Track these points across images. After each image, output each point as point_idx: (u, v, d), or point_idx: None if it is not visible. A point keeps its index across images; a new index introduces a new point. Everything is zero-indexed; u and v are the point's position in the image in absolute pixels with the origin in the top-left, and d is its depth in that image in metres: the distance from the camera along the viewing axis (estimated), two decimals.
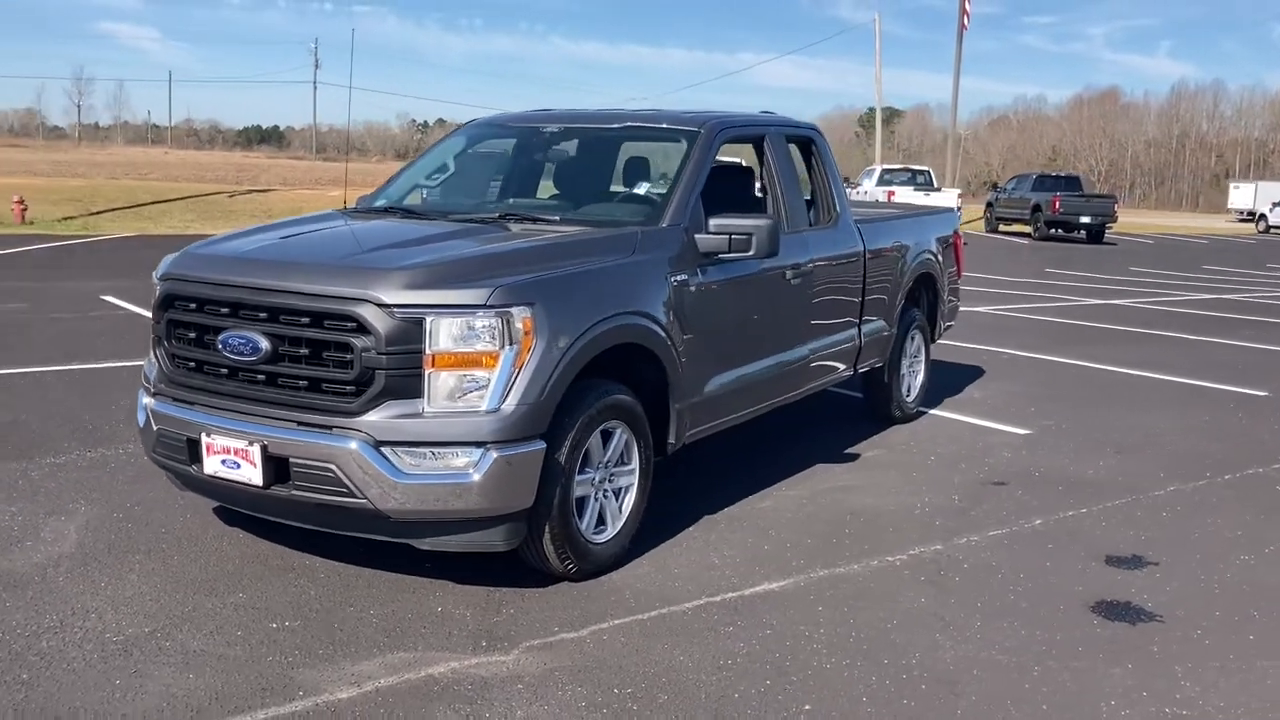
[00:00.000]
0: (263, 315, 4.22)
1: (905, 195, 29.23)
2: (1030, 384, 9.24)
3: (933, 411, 8.04)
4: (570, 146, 6.05)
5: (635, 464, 4.78)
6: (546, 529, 4.34)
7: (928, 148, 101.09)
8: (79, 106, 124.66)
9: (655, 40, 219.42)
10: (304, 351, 4.16)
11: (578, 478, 4.46)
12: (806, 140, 6.58)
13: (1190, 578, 4.88)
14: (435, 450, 4.06)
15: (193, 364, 4.45)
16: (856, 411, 7.78)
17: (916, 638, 4.15)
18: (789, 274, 5.77)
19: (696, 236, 5.06)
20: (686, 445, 5.22)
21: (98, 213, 25.45)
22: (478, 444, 4.07)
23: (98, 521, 5.09)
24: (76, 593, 4.30)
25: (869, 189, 30.42)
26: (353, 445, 4.05)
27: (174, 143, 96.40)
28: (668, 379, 4.89)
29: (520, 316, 4.12)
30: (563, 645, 4.00)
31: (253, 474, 4.21)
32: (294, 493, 4.18)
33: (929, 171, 32.47)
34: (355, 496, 4.07)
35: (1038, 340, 11.69)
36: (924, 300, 7.95)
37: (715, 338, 5.22)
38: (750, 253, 5.09)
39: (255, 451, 4.19)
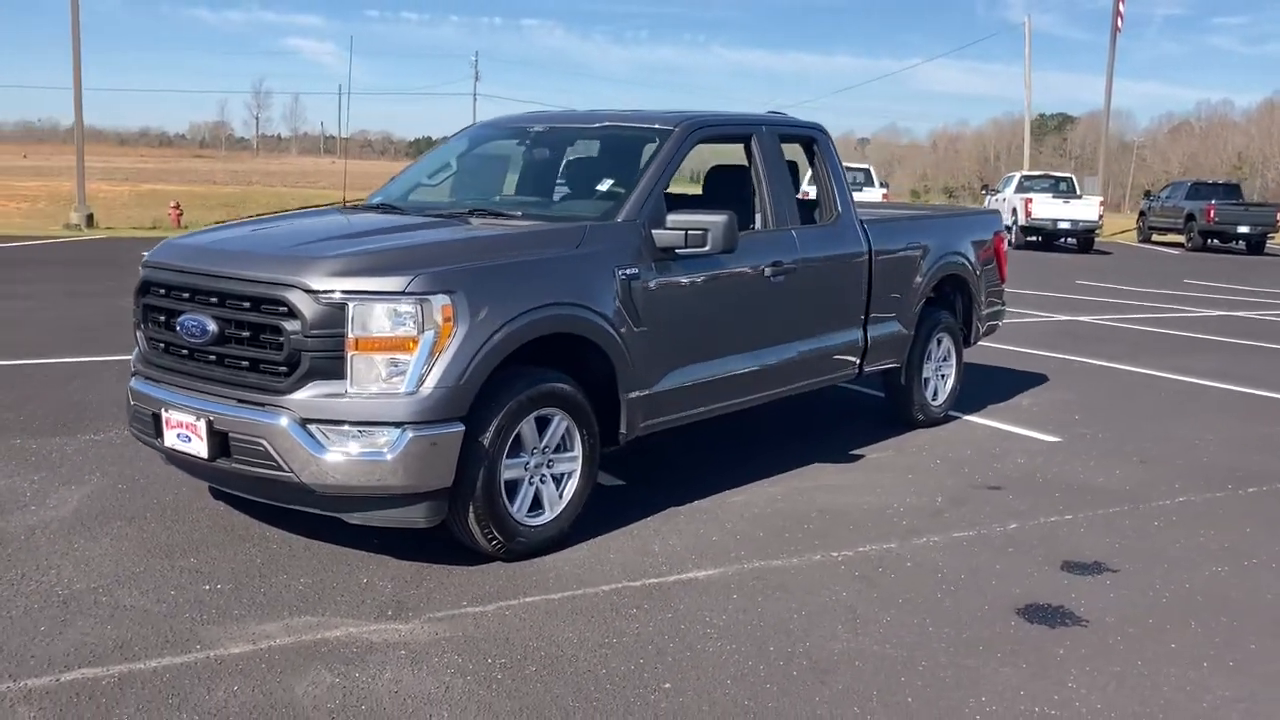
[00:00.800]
0: (213, 300, 4.55)
1: (1044, 202, 28.37)
2: (1090, 393, 8.97)
3: (966, 416, 7.91)
4: (551, 146, 6.24)
5: (578, 451, 4.92)
6: (470, 509, 4.53)
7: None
8: (257, 119, 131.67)
9: (820, 46, 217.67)
10: (245, 334, 4.46)
11: (507, 461, 4.63)
12: (807, 140, 6.60)
13: (1143, 586, 4.74)
14: (357, 429, 4.30)
15: (161, 345, 4.82)
16: (883, 413, 7.71)
17: (816, 628, 4.18)
18: (768, 271, 5.81)
19: (654, 232, 5.17)
20: (689, 436, 5.31)
21: (248, 218, 26.89)
22: (395, 424, 4.29)
23: (102, 491, 5.52)
24: (49, 552, 4.70)
25: (1007, 196, 29.63)
26: (282, 422, 4.32)
27: (345, 152, 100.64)
28: (615, 370, 5.01)
29: (439, 304, 4.33)
30: (463, 618, 4.17)
31: (200, 447, 4.54)
32: (234, 465, 4.49)
33: (1071, 179, 31.36)
34: (283, 470, 4.35)
35: (1127, 350, 11.28)
36: (957, 303, 7.82)
37: (676, 332, 5.32)
38: (706, 248, 5.17)
39: (201, 426, 4.51)
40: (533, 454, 4.77)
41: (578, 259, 4.92)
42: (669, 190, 5.57)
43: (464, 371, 4.36)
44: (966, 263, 7.67)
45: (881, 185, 28.02)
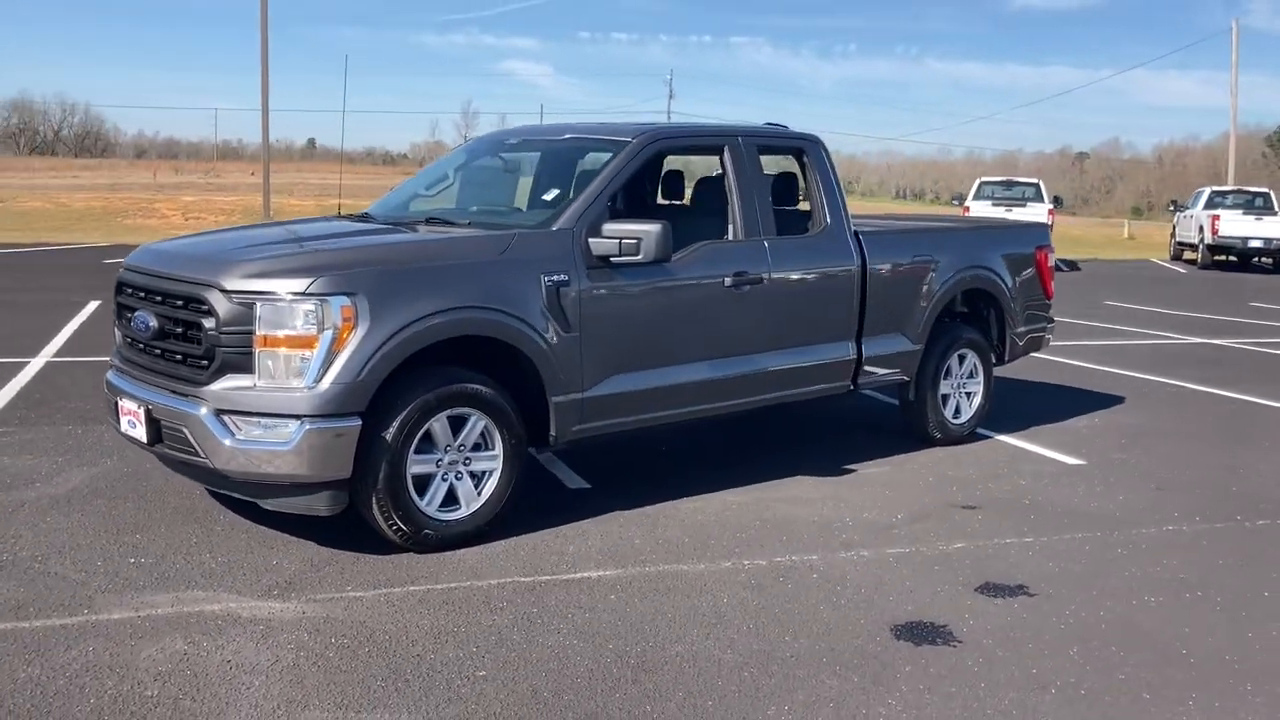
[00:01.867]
0: (156, 299, 4.98)
1: (1233, 220, 26.62)
2: (1156, 417, 8.53)
3: (999, 436, 7.67)
4: (521, 158, 6.45)
5: (498, 451, 5.11)
6: (374, 500, 4.79)
7: None
8: (465, 138, 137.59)
9: (1037, 58, 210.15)
10: (178, 330, 4.87)
11: (415, 456, 4.86)
12: (796, 151, 6.59)
13: (1052, 612, 4.56)
14: (263, 420, 4.63)
15: (127, 339, 5.29)
16: (903, 427, 7.56)
17: (671, 631, 4.23)
18: (729, 281, 5.85)
19: (590, 240, 5.32)
20: (681, 440, 5.45)
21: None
22: (295, 416, 4.59)
23: (106, 474, 6.05)
24: (21, 522, 5.22)
25: (1195, 213, 27.93)
26: (200, 411, 4.69)
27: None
28: (540, 374, 5.18)
29: (338, 305, 4.61)
30: (339, 601, 4.43)
31: (142, 433, 4.97)
32: (166, 450, 4.89)
33: (1269, 194, 29.21)
34: (199, 456, 4.72)
35: (1243, 375, 10.59)
36: (990, 318, 7.60)
37: (615, 338, 5.44)
38: (639, 256, 5.28)
39: (142, 414, 4.94)
40: (446, 451, 4.98)
41: (501, 265, 5.11)
42: (664, 202, 5.63)
43: (362, 369, 4.62)
44: (996, 277, 7.44)
45: (1053, 201, 26.82)
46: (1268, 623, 4.51)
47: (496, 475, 5.12)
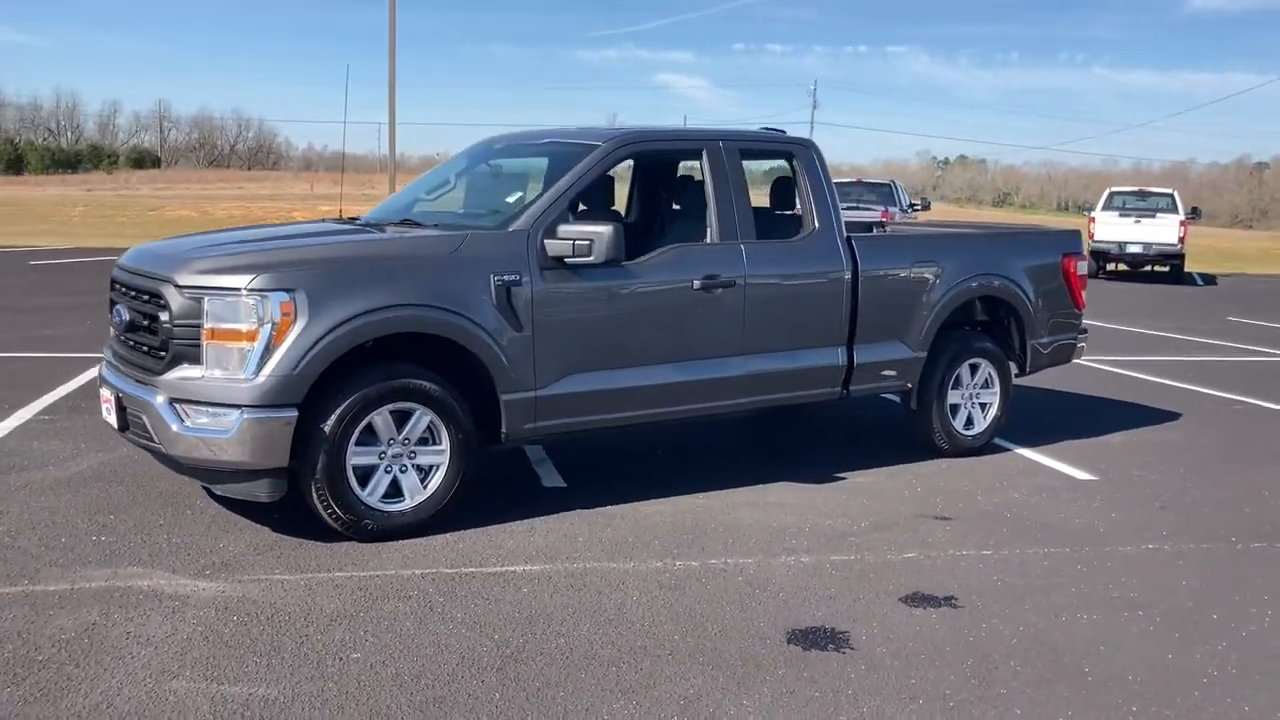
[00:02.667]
0: (130, 294, 5.31)
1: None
2: (1205, 436, 8.16)
3: (1018, 449, 7.47)
4: (502, 161, 6.59)
5: (445, 446, 5.26)
6: (312, 489, 5.00)
7: None
8: None
9: (1212, 63, 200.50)
10: (143, 323, 5.18)
11: (355, 448, 5.06)
12: (786, 155, 6.57)
13: (966, 624, 4.46)
14: (209, 409, 4.89)
15: (112, 332, 5.65)
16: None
17: (560, 626, 4.30)
18: (698, 284, 5.88)
19: (546, 242, 5.43)
20: (678, 441, 5.58)
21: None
22: (236, 406, 4.84)
23: (115, 461, 6.44)
24: (17, 500, 5.62)
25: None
26: (156, 400, 4.99)
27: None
28: (489, 371, 5.32)
29: (277, 300, 4.84)
30: (262, 582, 4.65)
31: (114, 419, 5.31)
32: (132, 436, 5.21)
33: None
34: (154, 442, 5.01)
35: None
36: (1010, 328, 7.40)
37: (572, 338, 5.53)
38: (591, 258, 5.37)
39: (113, 401, 5.27)
40: (390, 445, 5.15)
41: (450, 264, 5.26)
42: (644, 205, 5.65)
43: (299, 362, 4.83)
44: (1013, 286, 7.24)
45: (1190, 212, 25.52)
46: (1196, 645, 4.31)
47: (443, 469, 5.27)
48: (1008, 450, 7.44)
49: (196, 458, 4.93)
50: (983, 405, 7.30)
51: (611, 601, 4.56)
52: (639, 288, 5.75)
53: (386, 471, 5.18)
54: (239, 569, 4.78)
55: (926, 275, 6.83)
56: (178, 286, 4.94)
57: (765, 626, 4.35)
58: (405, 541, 5.20)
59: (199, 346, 4.90)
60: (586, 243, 5.35)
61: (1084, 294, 7.78)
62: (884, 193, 24.41)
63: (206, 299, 4.87)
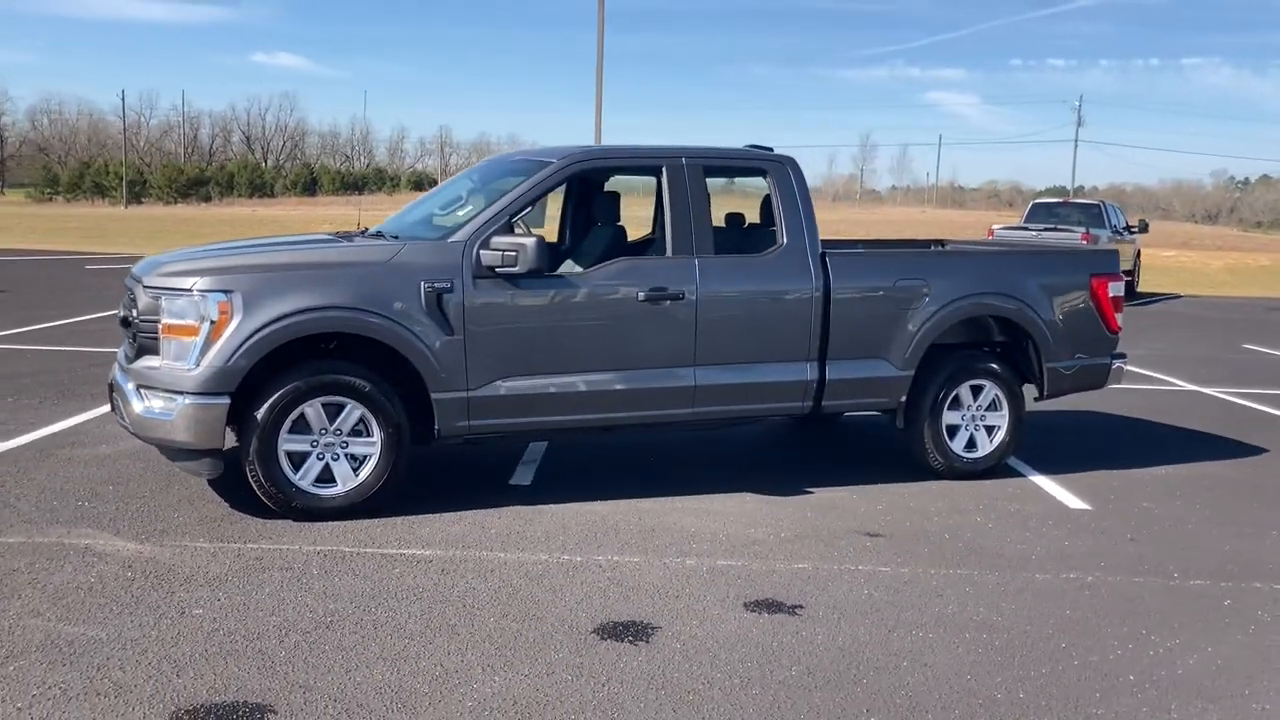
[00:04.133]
0: (126, 295, 6.12)
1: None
2: (1273, 473, 7.62)
3: (1030, 475, 7.25)
4: (483, 178, 7.01)
5: (376, 438, 5.77)
6: (247, 469, 5.62)
7: None
8: (861, 171, 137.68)
9: None
10: (129, 319, 5.97)
11: (288, 435, 5.63)
12: (758, 172, 6.71)
13: (790, 631, 4.53)
14: (162, 394, 5.60)
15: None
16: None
17: (393, 603, 4.68)
18: (642, 296, 6.13)
19: (481, 252, 5.86)
20: (665, 449, 6.06)
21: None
22: (180, 392, 5.52)
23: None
24: (49, 469, 6.53)
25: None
26: (128, 385, 5.76)
27: (940, 202, 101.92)
28: (420, 372, 5.79)
29: (215, 300, 5.49)
30: (179, 547, 5.27)
31: (108, 404, 6.12)
32: (116, 417, 6.00)
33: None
34: (124, 422, 5.78)
35: None
36: (1029, 349, 7.20)
37: (503, 343, 5.90)
38: (517, 267, 5.76)
39: (108, 388, 6.09)
40: (321, 434, 5.70)
41: (383, 271, 5.76)
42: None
43: (232, 355, 5.46)
44: (1022, 306, 7.05)
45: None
46: (1010, 670, 4.25)
47: (374, 460, 5.76)
48: (1018, 475, 7.22)
49: (152, 436, 5.62)
50: (989, 428, 7.12)
51: (464, 585, 4.90)
52: (579, 297, 6.05)
53: (319, 458, 5.71)
54: (172, 535, 5.43)
55: (912, 294, 6.76)
56: (145, 287, 5.66)
57: (583, 617, 4.58)
58: (334, 522, 5.69)
59: (157, 339, 5.59)
60: (513, 253, 5.72)
61: (1119, 316, 7.42)
62: (1093, 214, 23.26)
63: (163, 298, 5.57)
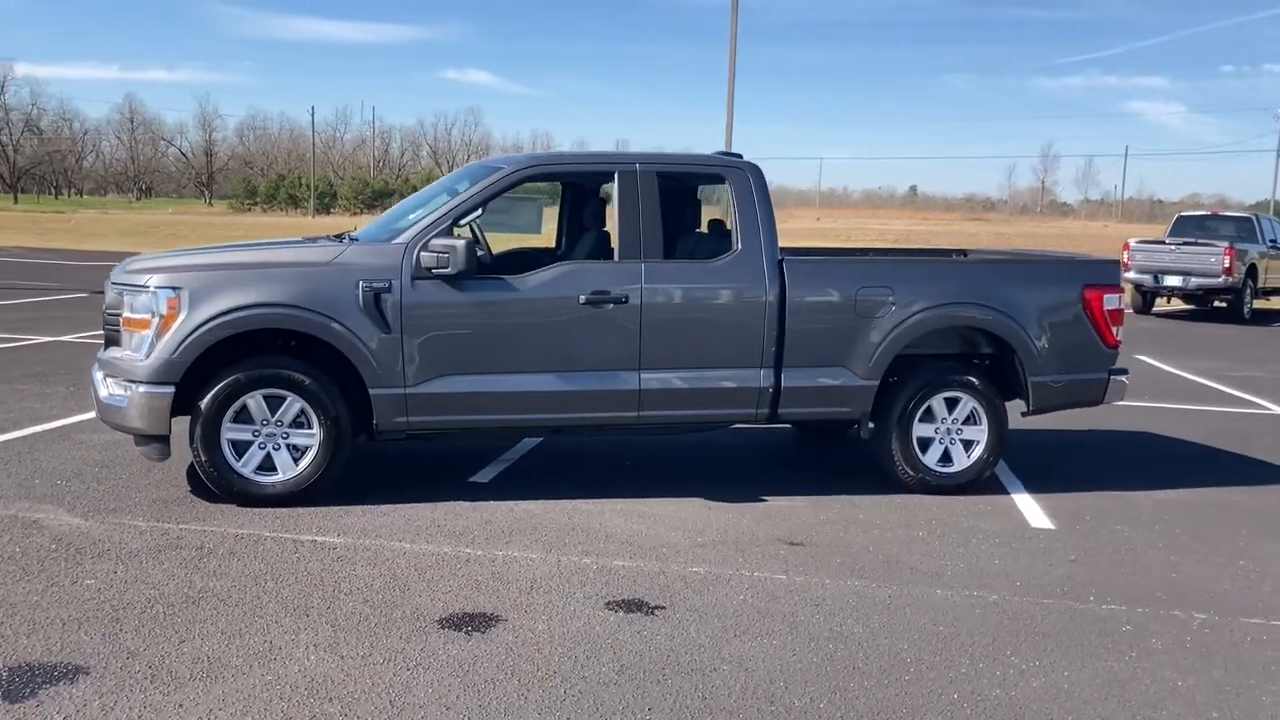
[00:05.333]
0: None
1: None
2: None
3: (1011, 492, 7.01)
4: (450, 182, 7.20)
5: (316, 430, 6.08)
6: (193, 455, 6.01)
7: None
8: (1043, 183, 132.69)
9: None
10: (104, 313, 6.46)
11: (230, 424, 5.99)
12: (716, 179, 6.72)
13: (636, 630, 4.55)
14: (120, 382, 6.04)
15: None
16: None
17: (256, 583, 4.93)
18: (584, 299, 6.25)
19: (420, 254, 6.10)
20: (641, 453, 6.26)
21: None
22: (133, 381, 5.96)
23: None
24: (54, 451, 7.10)
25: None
26: (97, 374, 6.24)
27: (1133, 216, 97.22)
28: (357, 368, 6.06)
29: (165, 297, 5.90)
30: (116, 525, 5.67)
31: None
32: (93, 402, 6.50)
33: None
34: (95, 407, 6.26)
35: None
36: (1015, 361, 6.96)
37: (440, 342, 6.11)
38: (449, 269, 5.98)
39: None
40: (263, 425, 6.04)
41: (323, 272, 6.05)
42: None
43: (177, 348, 5.85)
44: (1002, 317, 6.83)
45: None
46: (838, 679, 4.19)
47: (313, 451, 6.06)
48: (1000, 492, 6.99)
49: (112, 421, 6.07)
50: (966, 442, 6.91)
51: (347, 572, 5.11)
52: (519, 299, 6.20)
53: (260, 448, 6.03)
54: (118, 514, 5.84)
55: (875, 302, 6.64)
56: (113, 284, 6.12)
57: (438, 607, 4.73)
58: (274, 509, 6.01)
59: (120, 331, 6.04)
60: (446, 255, 5.93)
61: (1116, 330, 7.09)
62: (1245, 228, 22.01)
63: (125, 293, 6.01)
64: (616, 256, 6.39)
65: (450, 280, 6.07)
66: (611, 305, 6.25)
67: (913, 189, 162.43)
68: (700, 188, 7.38)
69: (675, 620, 4.67)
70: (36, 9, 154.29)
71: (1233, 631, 4.82)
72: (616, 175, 6.47)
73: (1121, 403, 7.33)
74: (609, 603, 4.85)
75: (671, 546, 5.66)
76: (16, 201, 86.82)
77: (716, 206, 7.34)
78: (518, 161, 6.49)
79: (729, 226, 6.65)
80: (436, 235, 6.11)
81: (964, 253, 8.50)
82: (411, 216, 6.47)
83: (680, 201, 7.03)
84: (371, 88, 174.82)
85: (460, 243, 5.89)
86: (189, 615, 4.52)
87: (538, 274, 6.27)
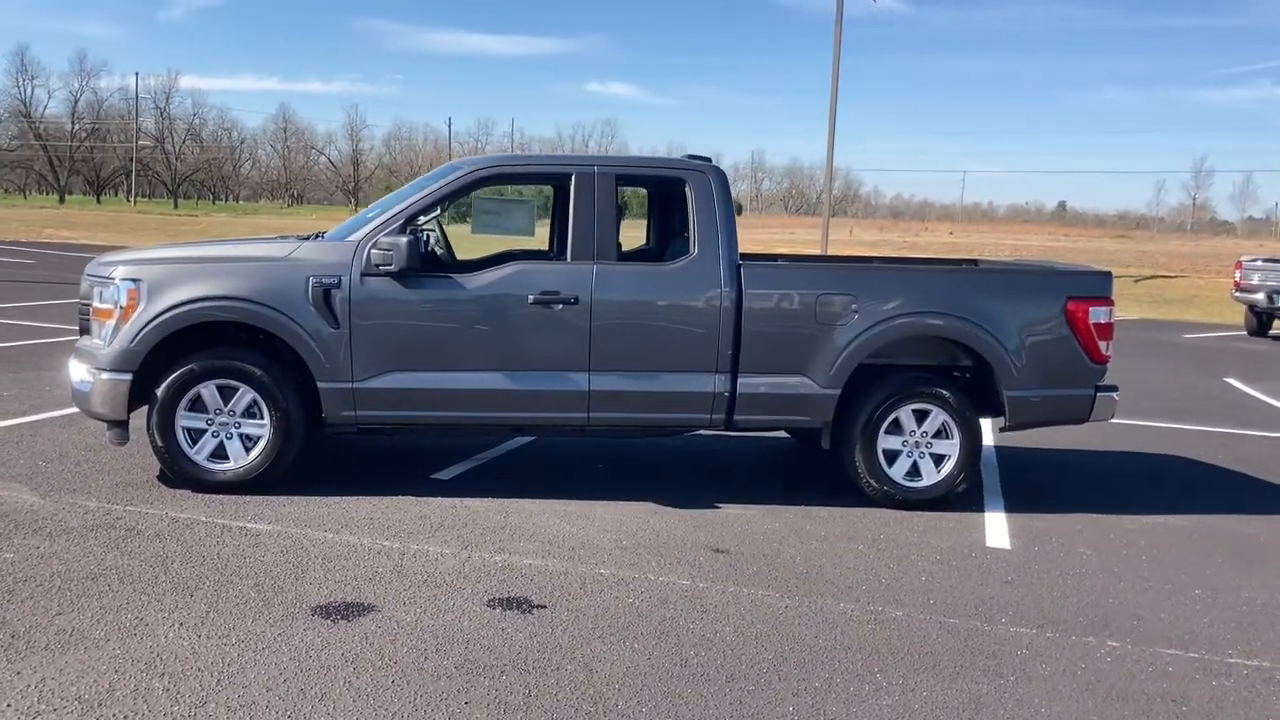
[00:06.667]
0: None
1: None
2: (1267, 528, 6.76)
3: (987, 510, 6.77)
4: (418, 183, 7.28)
5: (266, 421, 6.27)
6: (149, 440, 6.27)
7: None
8: (1194, 200, 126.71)
9: None
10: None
11: (185, 413, 6.22)
12: (676, 181, 6.68)
13: (516, 628, 4.58)
14: (87, 369, 6.35)
15: None
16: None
17: (170, 563, 5.11)
18: (532, 299, 6.29)
19: (371, 251, 6.25)
20: (618, 455, 6.38)
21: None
22: (97, 368, 6.25)
23: None
24: (55, 434, 7.48)
25: None
26: (71, 360, 6.57)
27: None
28: (304, 361, 6.23)
29: (125, 289, 6.17)
30: (68, 504, 5.93)
31: None
32: None
33: None
34: (70, 392, 6.59)
35: None
36: (992, 374, 6.73)
37: (388, 338, 6.21)
38: (392, 266, 6.11)
39: None
40: (217, 414, 6.26)
41: (276, 267, 6.24)
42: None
43: (134, 338, 6.11)
44: (974, 328, 6.60)
45: None
46: (672, 683, 4.13)
47: (264, 440, 6.24)
48: (974, 510, 6.76)
49: (80, 405, 6.37)
50: (937, 456, 6.71)
51: (254, 557, 5.25)
52: (467, 297, 6.27)
53: (214, 436, 6.25)
54: (76, 494, 6.12)
55: (837, 309, 6.49)
56: (86, 275, 6.43)
57: (318, 595, 4.82)
58: (221, 495, 6.21)
59: (90, 321, 6.34)
60: (389, 253, 6.06)
61: (1105, 345, 6.78)
62: None
63: (95, 285, 6.31)
64: (569, 257, 6.40)
65: (398, 277, 6.17)
66: (561, 306, 6.26)
67: (1061, 205, 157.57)
68: (663, 191, 7.32)
69: (547, 620, 4.65)
70: (206, 25, 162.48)
71: (1138, 661, 4.57)
72: (574, 176, 6.48)
73: (1161, 424, 6.93)
74: (491, 600, 4.86)
75: (591, 548, 5.64)
76: (176, 206, 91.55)
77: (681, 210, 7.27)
78: (476, 163, 6.57)
79: (687, 230, 6.58)
80: (387, 233, 6.21)
81: (975, 263, 8.22)
82: (370, 214, 6.58)
83: (642, 203, 7.00)
84: (515, 100, 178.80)
85: (403, 240, 6.00)
86: (80, 590, 4.70)
87: (487, 273, 6.32)
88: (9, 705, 3.66)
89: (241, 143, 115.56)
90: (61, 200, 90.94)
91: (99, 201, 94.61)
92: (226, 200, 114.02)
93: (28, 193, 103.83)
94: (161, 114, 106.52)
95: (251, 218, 66.08)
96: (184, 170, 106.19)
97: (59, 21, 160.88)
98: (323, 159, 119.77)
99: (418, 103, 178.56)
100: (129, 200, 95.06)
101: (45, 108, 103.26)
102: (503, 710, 3.82)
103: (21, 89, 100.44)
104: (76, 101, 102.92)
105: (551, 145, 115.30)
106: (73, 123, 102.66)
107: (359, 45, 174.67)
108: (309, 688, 3.90)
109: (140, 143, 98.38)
